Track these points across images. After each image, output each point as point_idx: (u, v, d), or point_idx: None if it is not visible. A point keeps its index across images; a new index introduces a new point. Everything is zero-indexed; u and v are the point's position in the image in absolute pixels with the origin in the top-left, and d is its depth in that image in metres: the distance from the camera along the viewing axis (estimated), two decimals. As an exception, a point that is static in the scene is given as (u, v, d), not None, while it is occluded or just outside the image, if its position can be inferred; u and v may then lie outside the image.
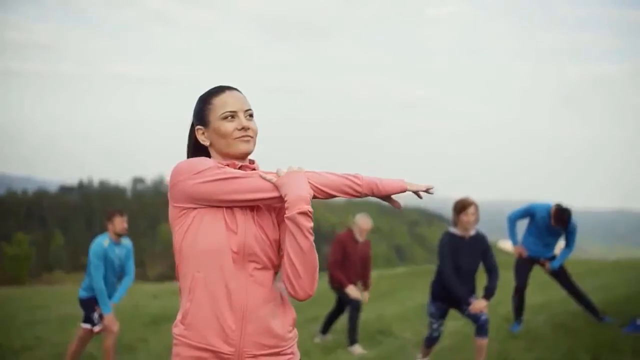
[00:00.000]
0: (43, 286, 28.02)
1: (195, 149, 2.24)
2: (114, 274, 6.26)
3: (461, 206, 5.35)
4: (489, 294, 5.35)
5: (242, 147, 2.14)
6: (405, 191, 2.18)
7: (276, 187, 2.05)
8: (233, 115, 2.13)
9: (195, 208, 2.07)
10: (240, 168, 2.15)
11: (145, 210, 71.41)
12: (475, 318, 5.31)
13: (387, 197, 2.18)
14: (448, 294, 5.39)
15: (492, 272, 5.43)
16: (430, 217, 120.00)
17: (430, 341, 5.77)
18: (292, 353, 2.17)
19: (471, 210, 5.32)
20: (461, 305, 5.37)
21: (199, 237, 2.06)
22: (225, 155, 2.16)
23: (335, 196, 2.13)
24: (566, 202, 6.79)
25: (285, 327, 2.14)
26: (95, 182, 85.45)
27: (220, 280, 2.05)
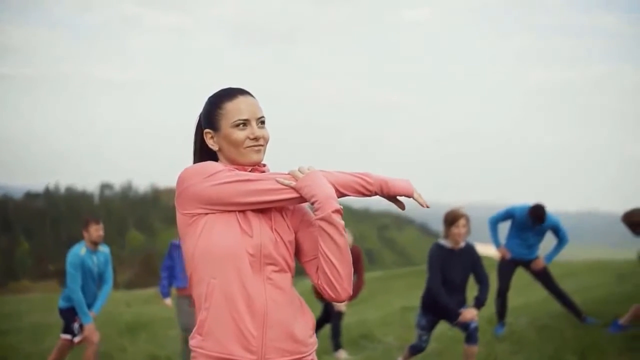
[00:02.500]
0: (10, 295, 27.48)
1: (203, 152, 2.18)
2: (94, 282, 6.13)
3: (452, 218, 5.24)
4: (479, 303, 5.28)
5: (253, 157, 2.08)
6: (411, 196, 2.14)
7: (293, 188, 2.00)
8: (245, 123, 2.07)
9: (206, 213, 2.00)
10: (250, 172, 2.09)
11: (113, 217, 70.61)
12: (464, 326, 5.25)
13: (392, 198, 2.14)
14: (439, 307, 5.32)
15: (482, 283, 5.34)
16: (399, 221, 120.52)
17: (416, 350, 5.67)
18: None
19: (462, 222, 5.22)
20: (451, 317, 5.28)
21: (212, 243, 1.99)
22: (234, 163, 2.10)
23: (346, 195, 2.09)
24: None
25: (306, 331, 2.08)
26: (62, 187, 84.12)
27: (237, 285, 1.98)
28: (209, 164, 2.04)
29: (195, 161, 2.19)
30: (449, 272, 5.28)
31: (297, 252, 2.13)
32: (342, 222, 1.99)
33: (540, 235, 6.91)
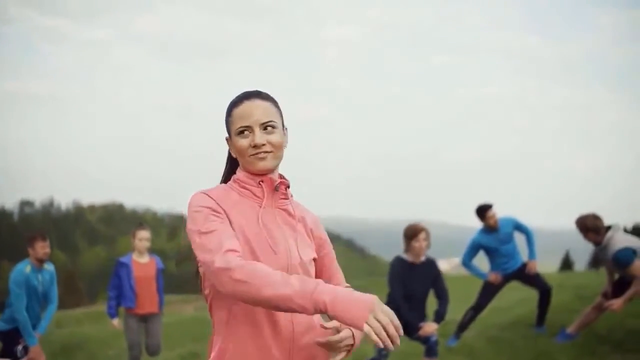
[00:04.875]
0: None
1: (231, 159, 2.10)
2: (38, 302, 5.84)
3: (412, 233, 5.30)
4: (439, 318, 5.34)
5: (257, 165, 1.95)
6: (361, 330, 1.70)
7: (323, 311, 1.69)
8: (247, 130, 1.94)
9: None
10: (261, 182, 1.97)
11: (34, 235, 68.09)
12: (424, 340, 5.28)
13: None
14: (399, 321, 5.28)
15: (442, 298, 5.41)
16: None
17: None
18: None
19: (422, 236, 5.29)
20: (411, 331, 5.29)
21: None
22: (247, 171, 2.00)
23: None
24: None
25: (327, 355, 1.97)
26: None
27: (263, 309, 1.84)
28: (202, 208, 1.87)
29: (225, 168, 2.11)
30: (410, 286, 5.31)
31: None
32: None
33: (510, 240, 6.99)
